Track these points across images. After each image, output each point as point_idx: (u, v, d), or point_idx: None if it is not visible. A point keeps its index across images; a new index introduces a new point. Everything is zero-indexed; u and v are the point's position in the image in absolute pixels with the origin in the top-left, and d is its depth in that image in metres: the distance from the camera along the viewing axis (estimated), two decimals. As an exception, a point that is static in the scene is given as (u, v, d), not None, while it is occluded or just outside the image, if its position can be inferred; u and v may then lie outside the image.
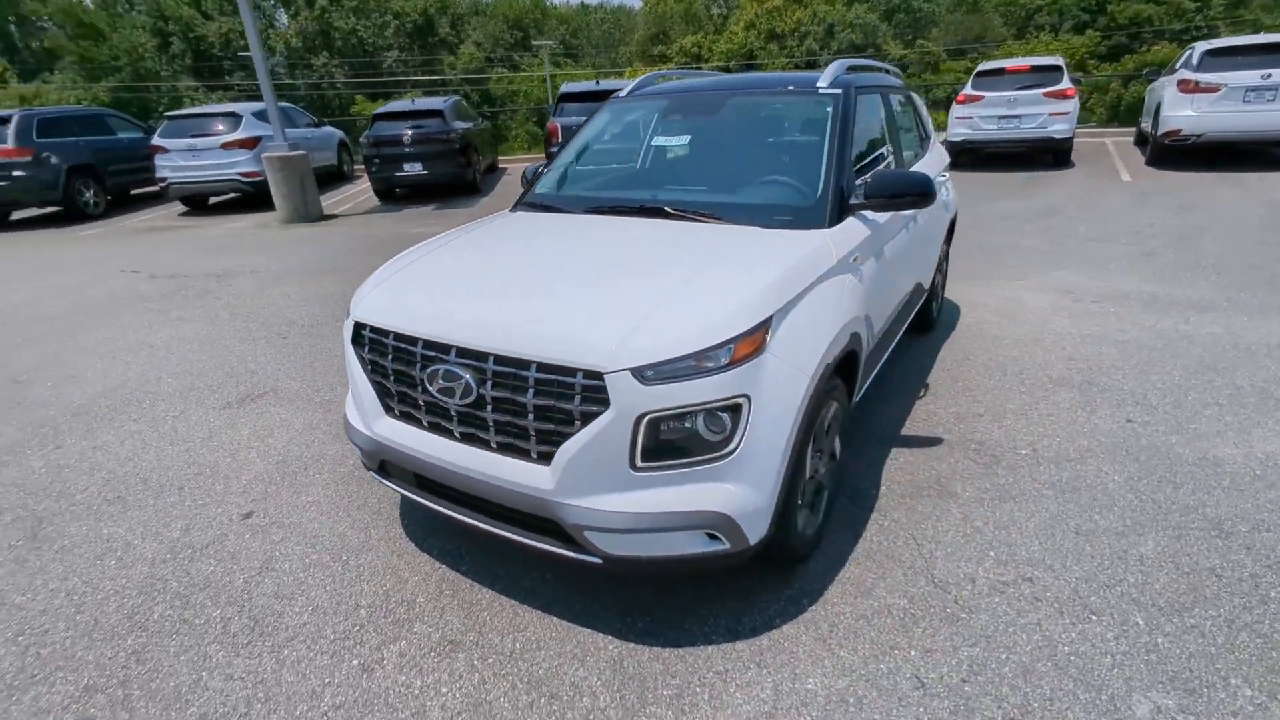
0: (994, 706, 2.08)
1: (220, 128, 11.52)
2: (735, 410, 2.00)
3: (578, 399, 1.97)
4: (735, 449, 2.02)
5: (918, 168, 3.99)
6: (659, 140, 3.57)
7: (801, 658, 2.27)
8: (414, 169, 11.21)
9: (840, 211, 2.78)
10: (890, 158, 3.58)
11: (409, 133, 11.21)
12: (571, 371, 1.97)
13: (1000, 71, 12.28)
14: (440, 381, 2.14)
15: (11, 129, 10.79)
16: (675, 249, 2.56)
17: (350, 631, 2.53)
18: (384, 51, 46.26)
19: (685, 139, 3.43)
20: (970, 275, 6.62)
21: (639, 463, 1.98)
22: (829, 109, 2.99)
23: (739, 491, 2.04)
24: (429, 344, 2.21)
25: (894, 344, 3.64)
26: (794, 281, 2.33)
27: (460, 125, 11.94)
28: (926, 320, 4.76)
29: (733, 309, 2.09)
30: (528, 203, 3.42)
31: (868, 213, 2.88)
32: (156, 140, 11.67)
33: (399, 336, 2.29)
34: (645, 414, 1.93)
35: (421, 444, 2.28)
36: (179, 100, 43.87)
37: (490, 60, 48.12)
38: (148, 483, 3.66)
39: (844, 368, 2.59)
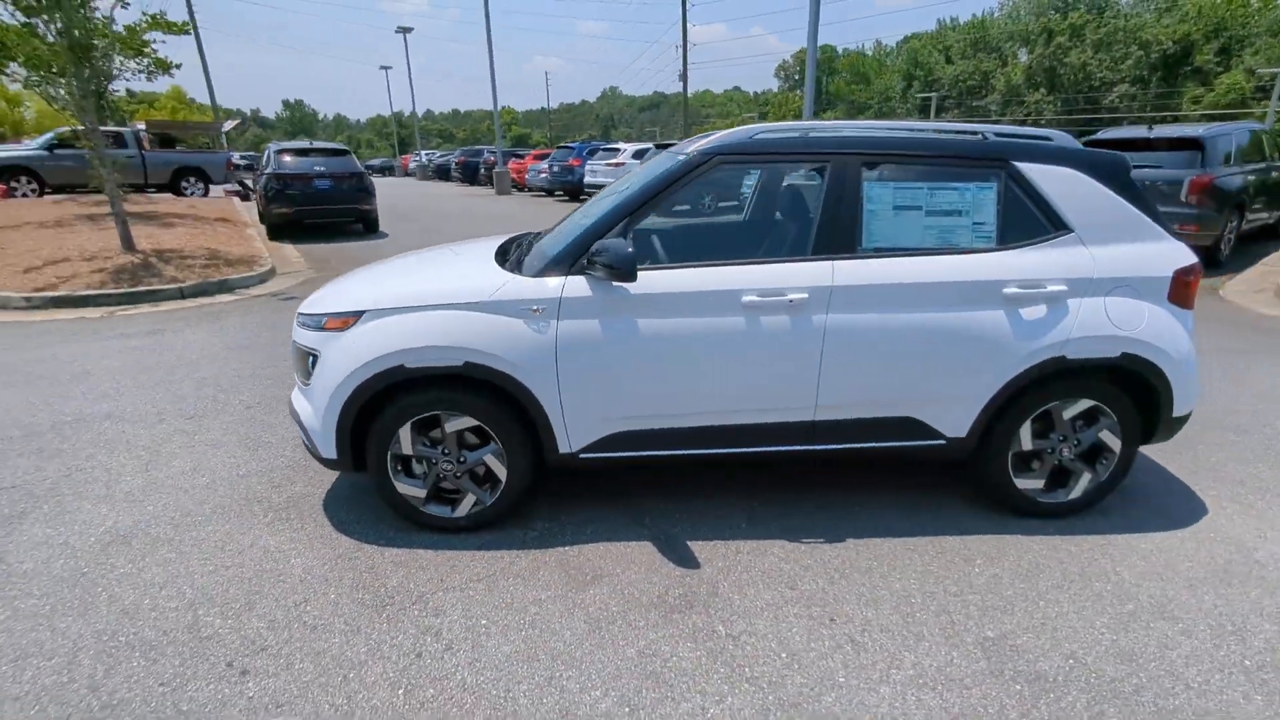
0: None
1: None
2: (314, 358, 2.81)
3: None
4: (309, 383, 2.84)
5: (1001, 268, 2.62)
6: None
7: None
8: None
9: (560, 266, 2.61)
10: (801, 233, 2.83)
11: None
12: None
13: None
14: None
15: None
16: (465, 257, 3.15)
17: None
18: (1111, 86, 41.33)
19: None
20: None
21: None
22: (665, 169, 2.76)
23: (310, 410, 2.83)
24: None
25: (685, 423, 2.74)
26: (432, 299, 2.61)
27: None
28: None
29: (355, 298, 2.83)
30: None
31: (649, 272, 2.58)
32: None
33: None
34: (295, 341, 2.98)
35: None
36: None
37: (1263, 90, 36.92)
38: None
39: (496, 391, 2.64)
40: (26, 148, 16.22)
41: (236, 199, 17.37)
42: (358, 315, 2.65)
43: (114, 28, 10.20)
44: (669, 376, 2.62)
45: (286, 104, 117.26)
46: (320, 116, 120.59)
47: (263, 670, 2.06)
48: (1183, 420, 2.83)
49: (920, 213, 2.68)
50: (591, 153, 18.63)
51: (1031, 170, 2.68)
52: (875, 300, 2.60)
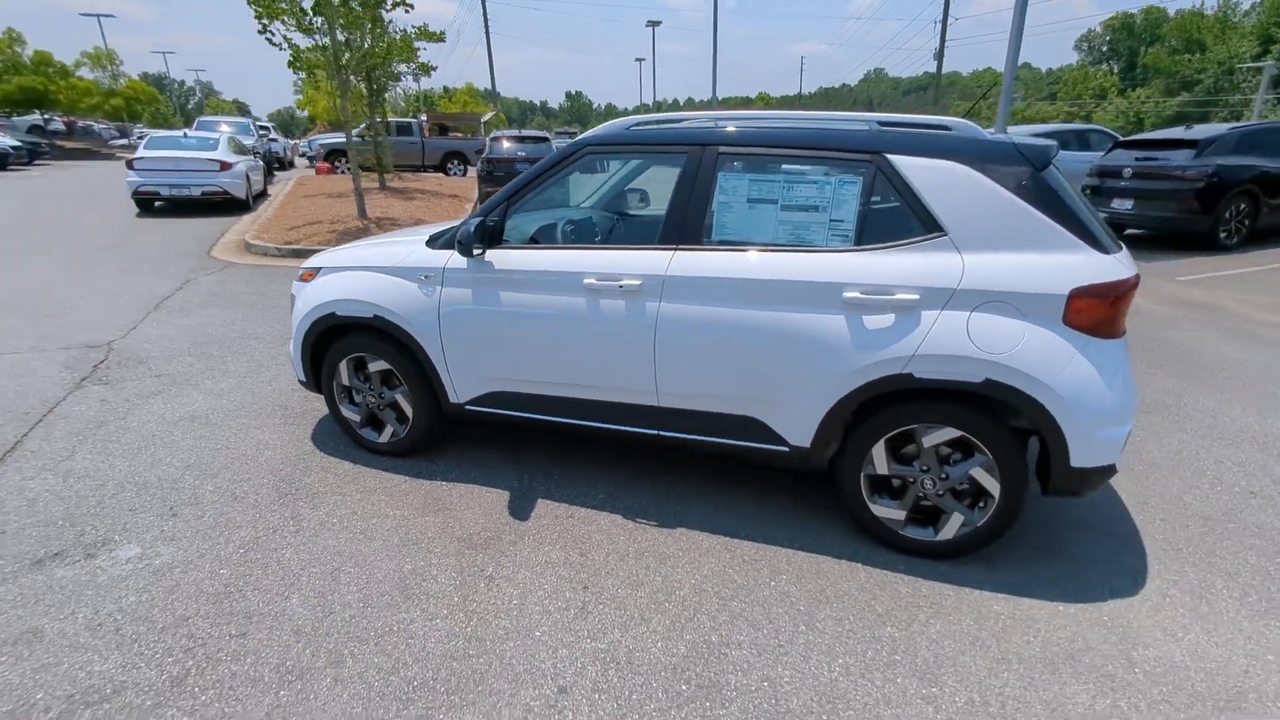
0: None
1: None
2: (293, 300, 3.48)
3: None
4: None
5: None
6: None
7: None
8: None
9: (468, 242, 2.79)
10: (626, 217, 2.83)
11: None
12: None
13: None
14: None
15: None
16: (411, 233, 3.61)
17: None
18: None
19: None
20: None
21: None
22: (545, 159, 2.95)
23: (291, 341, 3.53)
24: None
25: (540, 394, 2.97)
26: (362, 263, 3.17)
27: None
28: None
29: (322, 258, 3.48)
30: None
31: (509, 251, 2.88)
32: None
33: None
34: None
35: None
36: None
37: None
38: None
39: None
40: (341, 136, 20.78)
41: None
42: (316, 271, 3.34)
43: (391, 35, 12.56)
44: (527, 346, 2.88)
45: (569, 95, 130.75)
46: (595, 106, 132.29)
47: (182, 517, 2.84)
48: (1091, 475, 2.30)
49: (775, 207, 2.54)
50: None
51: (906, 165, 2.37)
52: (709, 293, 2.55)
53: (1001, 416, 2.33)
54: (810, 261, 2.44)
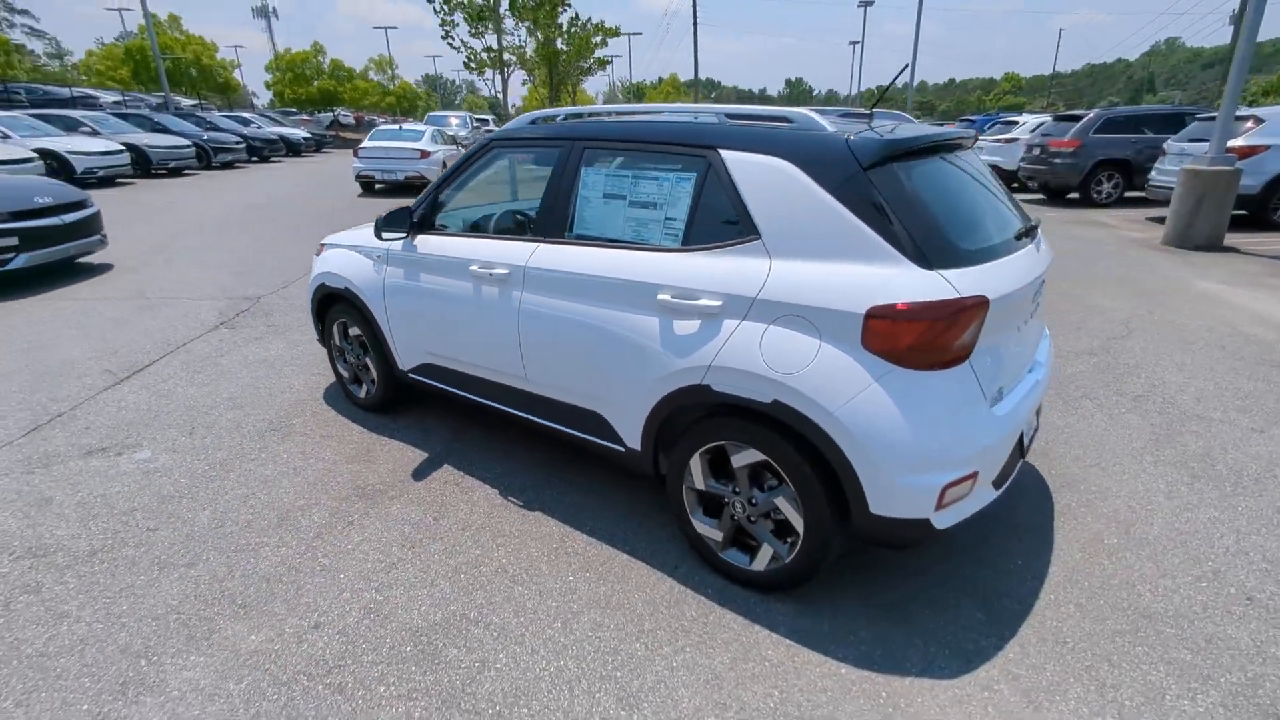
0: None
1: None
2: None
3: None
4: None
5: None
6: None
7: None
8: None
9: (378, 227, 3.13)
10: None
11: None
12: None
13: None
14: None
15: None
16: None
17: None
18: None
19: None
20: None
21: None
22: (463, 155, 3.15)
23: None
24: None
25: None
26: (348, 241, 3.61)
27: None
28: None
29: (330, 237, 4.00)
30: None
31: (430, 237, 3.14)
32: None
33: None
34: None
35: None
36: None
37: None
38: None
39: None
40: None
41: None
42: (323, 246, 3.89)
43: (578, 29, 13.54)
44: (437, 324, 3.13)
45: (789, 82, 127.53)
46: (815, 92, 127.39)
47: (194, 435, 3.57)
48: (895, 527, 1.95)
49: (624, 203, 2.47)
50: (990, 126, 15.94)
51: (733, 161, 2.17)
52: (559, 287, 2.57)
53: (801, 445, 2.06)
54: (638, 260, 2.36)
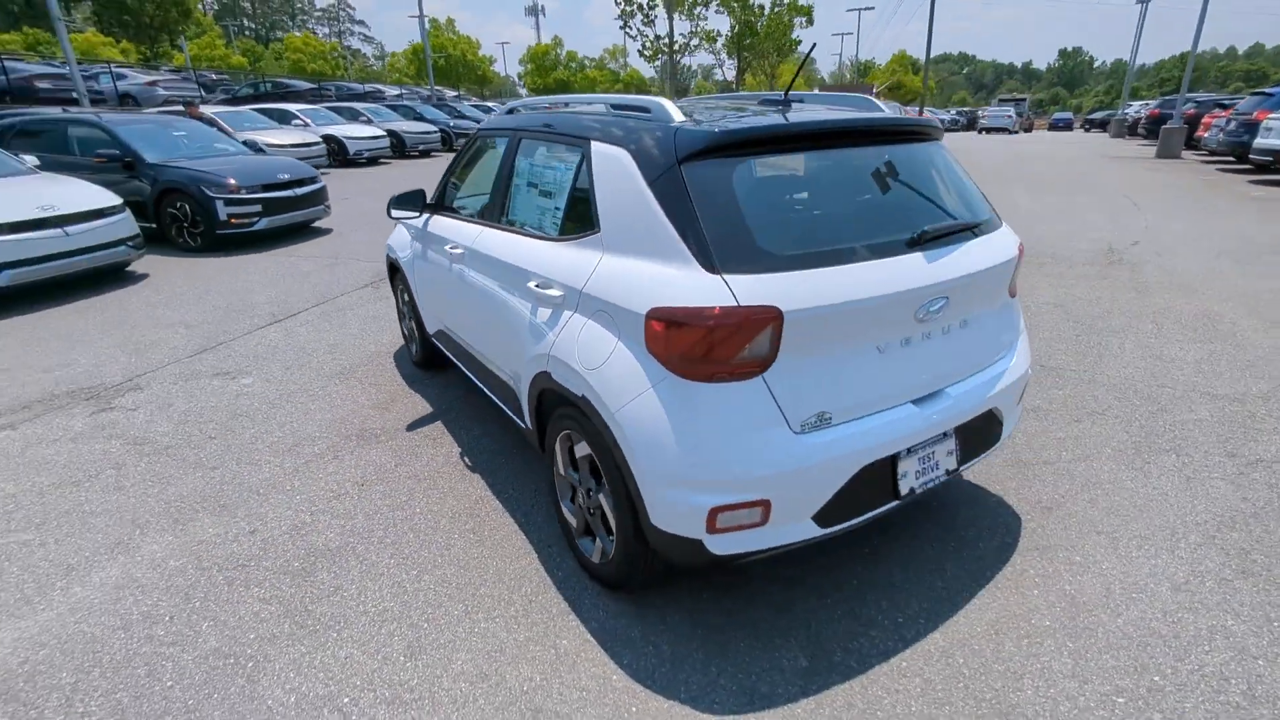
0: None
1: None
2: None
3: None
4: None
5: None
6: None
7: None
8: None
9: (389, 206, 3.49)
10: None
11: None
12: None
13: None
14: None
15: None
16: None
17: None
18: None
19: None
20: None
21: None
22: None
23: None
24: None
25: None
26: (408, 226, 4.18)
27: None
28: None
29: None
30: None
31: (435, 217, 3.49)
32: None
33: None
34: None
35: None
36: None
37: None
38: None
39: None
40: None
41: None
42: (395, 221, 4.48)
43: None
44: (435, 295, 3.49)
45: (1063, 53, 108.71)
46: (1096, 63, 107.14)
47: (289, 369, 4.40)
48: (671, 542, 1.83)
49: (535, 191, 2.54)
50: (1292, 102, 12.21)
51: (595, 152, 2.14)
52: (483, 267, 2.75)
53: (604, 443, 2.00)
54: (524, 247, 2.45)
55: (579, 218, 2.23)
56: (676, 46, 11.46)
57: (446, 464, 3.20)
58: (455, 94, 34.44)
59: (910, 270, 1.88)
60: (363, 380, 4.22)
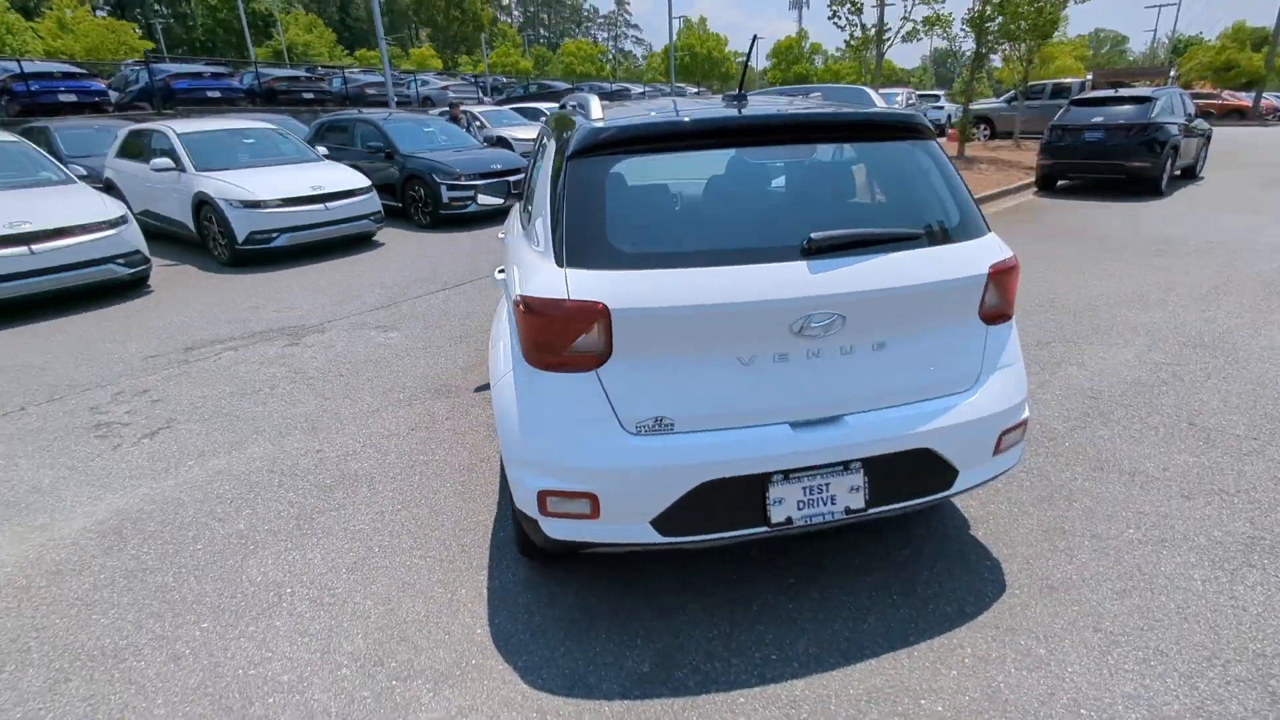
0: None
1: None
2: None
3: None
4: None
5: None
6: None
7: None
8: None
9: None
10: None
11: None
12: None
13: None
14: None
15: None
16: None
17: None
18: None
19: None
20: None
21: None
22: None
23: None
24: None
25: None
26: None
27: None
28: None
29: None
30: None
31: None
32: None
33: None
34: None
35: None
36: None
37: None
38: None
39: None
40: (992, 103, 19.67)
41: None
42: None
43: None
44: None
45: None
46: None
47: (433, 330, 5.21)
48: (526, 520, 1.91)
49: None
50: None
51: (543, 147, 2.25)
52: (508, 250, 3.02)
53: None
54: (511, 235, 2.64)
55: (529, 209, 2.39)
56: (885, 36, 10.47)
57: (482, 424, 3.58)
58: (696, 90, 35.46)
59: (788, 280, 1.70)
60: (473, 343, 4.82)
